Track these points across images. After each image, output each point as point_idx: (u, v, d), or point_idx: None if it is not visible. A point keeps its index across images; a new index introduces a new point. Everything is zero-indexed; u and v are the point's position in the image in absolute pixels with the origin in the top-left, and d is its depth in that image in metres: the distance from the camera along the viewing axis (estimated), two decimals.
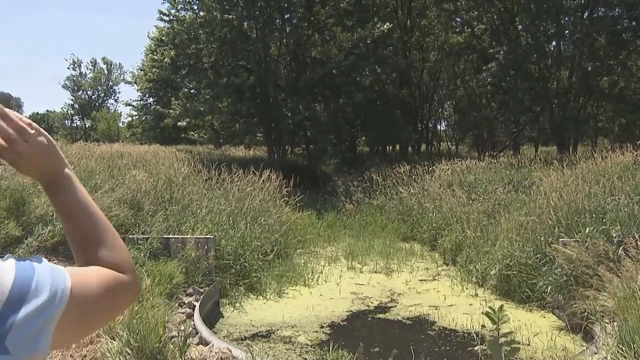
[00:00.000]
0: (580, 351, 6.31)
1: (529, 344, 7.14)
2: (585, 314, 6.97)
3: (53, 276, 0.99)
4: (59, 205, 1.21)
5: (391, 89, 31.23)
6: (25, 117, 1.16)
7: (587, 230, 8.56)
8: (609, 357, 5.06)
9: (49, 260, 1.04)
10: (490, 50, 24.86)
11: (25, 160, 1.13)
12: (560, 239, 8.74)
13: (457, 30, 28.72)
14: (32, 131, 1.14)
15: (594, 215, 9.16)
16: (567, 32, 24.43)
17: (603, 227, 8.59)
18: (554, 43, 25.24)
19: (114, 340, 5.48)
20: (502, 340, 5.06)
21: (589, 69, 23.78)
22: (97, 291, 1.08)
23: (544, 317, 8.46)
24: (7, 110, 1.13)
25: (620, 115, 26.28)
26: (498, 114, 27.49)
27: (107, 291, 1.10)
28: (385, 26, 23.85)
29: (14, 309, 0.91)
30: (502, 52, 23.71)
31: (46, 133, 1.19)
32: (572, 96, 24.57)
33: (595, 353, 5.68)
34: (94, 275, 1.10)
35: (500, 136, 31.75)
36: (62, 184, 1.20)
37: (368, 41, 24.36)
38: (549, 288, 8.40)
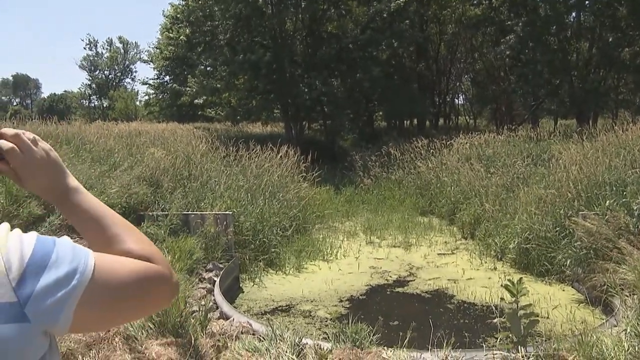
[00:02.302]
0: (600, 324, 6.29)
1: (547, 317, 7.14)
2: (605, 287, 6.93)
3: (75, 253, 1.00)
4: (75, 220, 1.20)
5: (408, 63, 30.97)
6: (29, 133, 1.14)
7: (607, 203, 8.49)
8: (629, 330, 5.04)
9: (72, 239, 1.05)
10: (509, 22, 24.47)
11: (22, 171, 1.13)
12: (580, 212, 8.69)
13: (475, 2, 28.28)
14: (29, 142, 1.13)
15: (614, 188, 9.08)
16: (587, 2, 23.93)
17: (623, 199, 8.51)
18: (573, 14, 24.84)
19: None
20: (521, 312, 5.07)
21: (610, 40, 23.35)
22: (126, 277, 1.05)
23: (563, 290, 8.45)
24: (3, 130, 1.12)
25: None
26: (516, 87, 27.17)
27: (138, 280, 1.07)
28: None
29: (33, 278, 0.93)
30: (520, 23, 23.35)
31: (48, 146, 1.18)
32: (592, 68, 24.22)
33: (615, 326, 5.67)
34: (123, 261, 1.09)
35: (518, 109, 31.38)
36: (71, 198, 1.19)
37: (384, 15, 24.12)
38: (569, 261, 8.37)
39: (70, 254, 0.99)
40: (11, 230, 0.99)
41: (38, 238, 0.99)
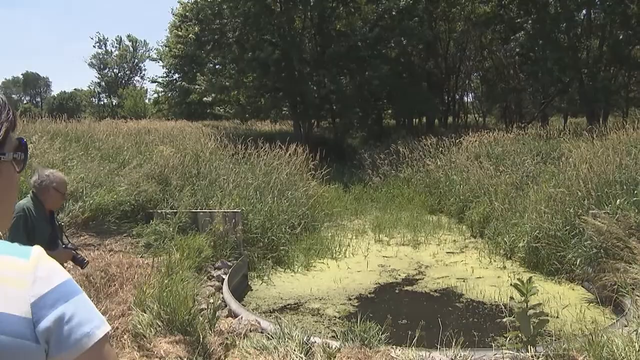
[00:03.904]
0: (610, 324, 6.25)
1: (557, 317, 7.11)
2: (616, 286, 6.89)
3: (96, 311, 1.02)
4: None
5: (417, 61, 30.84)
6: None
7: (617, 202, 8.44)
8: (639, 330, 5.00)
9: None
10: (518, 20, 24.36)
11: None
12: (590, 211, 8.64)
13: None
14: None
15: (624, 187, 9.02)
16: None
17: (634, 198, 8.45)
18: (584, 11, 24.64)
19: (145, 312, 5.57)
20: (530, 312, 5.05)
21: (621, 37, 23.20)
22: None
23: (573, 289, 8.40)
24: None
25: None
26: (526, 84, 27.05)
27: None
28: None
29: (52, 304, 0.96)
30: (530, 21, 23.24)
31: None
32: (602, 66, 24.04)
33: (626, 326, 5.62)
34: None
35: (528, 107, 31.23)
36: None
37: (393, 12, 24.08)
38: (579, 260, 8.32)
39: (93, 308, 1.02)
40: None
41: (71, 278, 1.02)
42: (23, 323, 0.92)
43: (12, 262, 0.98)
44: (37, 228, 3.99)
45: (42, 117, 16.53)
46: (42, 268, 0.98)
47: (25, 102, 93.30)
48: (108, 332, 1.01)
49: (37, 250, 1.02)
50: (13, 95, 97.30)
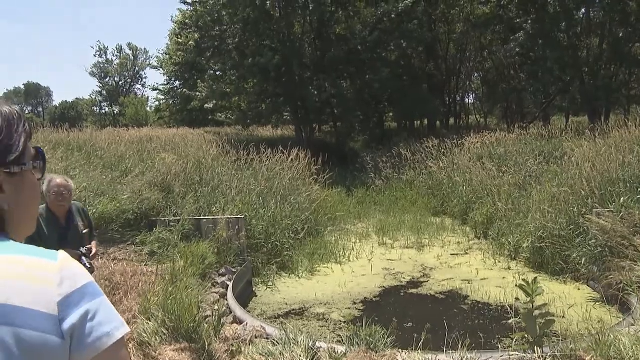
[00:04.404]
0: (617, 323, 6.22)
1: (563, 316, 7.08)
2: (621, 285, 6.86)
3: (116, 313, 1.08)
4: None
5: (417, 63, 30.85)
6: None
7: (621, 200, 8.42)
8: None
9: None
10: (517, 20, 24.34)
11: None
12: (594, 210, 8.62)
13: (483, 0, 28.17)
14: None
15: (628, 185, 9.00)
16: None
17: (638, 196, 8.44)
18: (583, 10, 24.60)
19: (150, 320, 5.56)
20: (536, 312, 5.03)
21: (620, 35, 23.15)
22: None
23: (579, 289, 8.38)
24: None
25: None
26: (527, 84, 27.02)
27: None
28: None
29: (77, 302, 1.02)
30: (529, 21, 23.21)
31: None
32: (603, 64, 24.01)
33: (632, 324, 5.60)
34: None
35: (529, 107, 31.21)
36: None
37: (392, 15, 24.06)
38: (584, 260, 8.30)
39: (113, 310, 1.08)
40: None
41: (93, 280, 1.09)
42: (50, 320, 0.98)
43: (41, 263, 1.04)
44: (44, 231, 4.32)
45: (44, 127, 16.56)
46: (68, 270, 1.05)
47: (27, 112, 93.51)
48: (126, 334, 1.07)
49: (63, 253, 1.08)
50: (15, 106, 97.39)
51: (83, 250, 4.54)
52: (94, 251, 4.71)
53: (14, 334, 0.95)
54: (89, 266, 4.41)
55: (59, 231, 4.56)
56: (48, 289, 1.00)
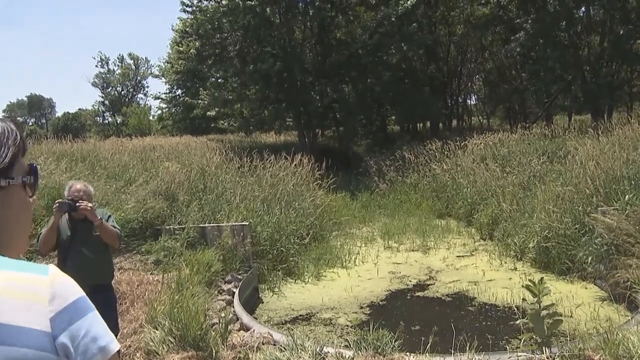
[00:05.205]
0: (625, 321, 6.20)
1: (571, 316, 7.06)
2: (629, 283, 6.84)
3: (106, 329, 1.08)
4: None
5: (418, 66, 30.88)
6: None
7: (626, 198, 8.40)
8: None
9: None
10: (518, 20, 24.32)
11: None
12: (599, 208, 8.60)
13: (483, 1, 28.19)
14: None
15: (632, 182, 8.99)
16: None
17: None
18: (582, 8, 24.59)
19: (157, 329, 5.56)
20: (543, 313, 5.02)
21: (621, 32, 23.08)
22: None
23: (586, 288, 8.35)
24: None
25: None
26: (529, 84, 27.00)
27: None
28: (409, 2, 23.49)
29: (69, 319, 1.02)
30: (529, 21, 23.20)
31: None
32: (604, 62, 23.97)
33: None
34: None
35: (532, 107, 31.16)
36: None
37: (392, 19, 24.06)
38: (590, 258, 8.27)
39: (105, 325, 1.08)
40: None
41: (84, 295, 1.08)
42: (43, 337, 0.98)
43: (31, 279, 1.03)
44: (62, 229, 4.67)
45: (47, 138, 16.59)
46: (59, 285, 1.04)
47: (30, 124, 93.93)
48: (119, 349, 1.08)
49: (54, 268, 1.08)
50: (18, 118, 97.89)
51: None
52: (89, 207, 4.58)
53: (4, 352, 0.95)
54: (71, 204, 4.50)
55: (72, 230, 4.70)
56: (39, 305, 1.00)
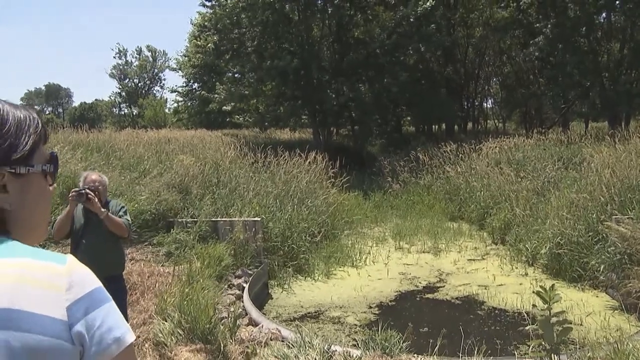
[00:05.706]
0: (636, 331, 6.16)
1: (581, 324, 7.02)
2: None
3: (123, 320, 1.09)
4: None
5: (436, 67, 30.77)
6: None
7: None
8: None
9: None
10: (537, 24, 24.15)
11: None
12: (614, 216, 8.54)
13: (502, 4, 28.02)
14: None
15: None
16: (617, 2, 23.50)
17: None
18: (603, 14, 24.39)
19: (166, 321, 5.59)
20: (553, 320, 4.98)
21: None
22: None
23: (597, 296, 8.30)
24: None
25: None
26: (546, 89, 26.81)
27: None
28: (428, 3, 23.40)
29: (85, 308, 1.03)
30: (549, 25, 23.03)
31: None
32: (623, 69, 23.74)
33: None
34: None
35: (548, 112, 30.96)
36: None
37: (411, 19, 23.99)
38: (602, 267, 8.22)
39: (121, 316, 1.09)
40: None
41: (101, 285, 1.09)
42: (59, 325, 0.99)
43: (49, 267, 1.04)
44: (76, 217, 4.76)
45: (63, 128, 16.70)
46: (76, 274, 1.05)
47: (47, 112, 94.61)
48: (134, 340, 1.08)
49: (71, 257, 1.09)
50: (36, 107, 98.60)
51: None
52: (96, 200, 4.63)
53: (20, 338, 0.95)
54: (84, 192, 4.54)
55: (87, 212, 4.74)
56: (56, 293, 1.01)
